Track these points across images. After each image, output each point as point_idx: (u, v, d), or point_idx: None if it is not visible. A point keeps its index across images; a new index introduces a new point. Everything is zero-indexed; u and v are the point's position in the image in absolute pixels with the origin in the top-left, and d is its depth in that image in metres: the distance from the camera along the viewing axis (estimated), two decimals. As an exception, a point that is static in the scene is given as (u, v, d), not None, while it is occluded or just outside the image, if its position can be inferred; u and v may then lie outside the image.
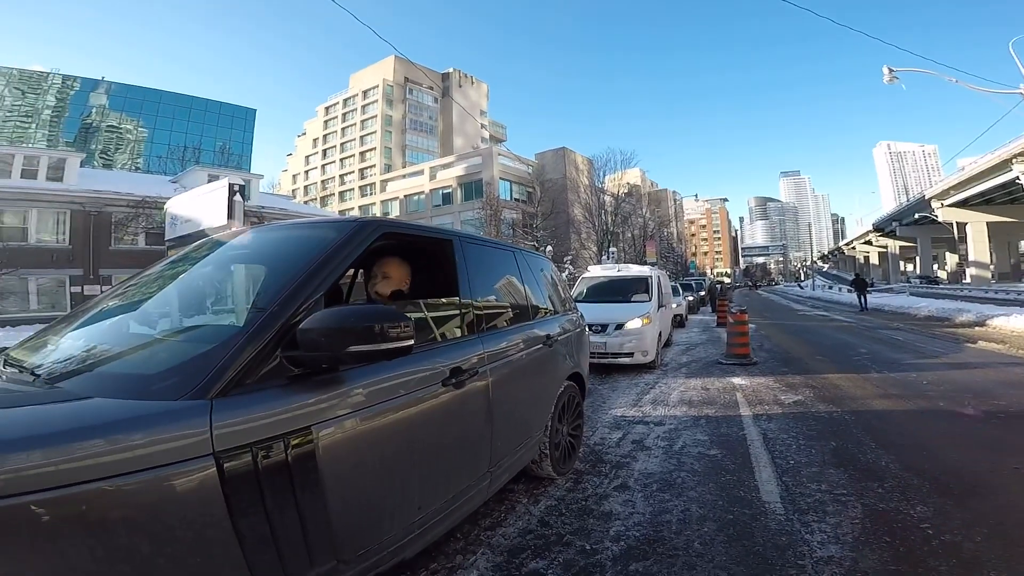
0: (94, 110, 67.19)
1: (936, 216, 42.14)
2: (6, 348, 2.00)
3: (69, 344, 1.79)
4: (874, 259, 74.18)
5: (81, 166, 24.05)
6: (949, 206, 40.30)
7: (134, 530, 1.12)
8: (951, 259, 54.29)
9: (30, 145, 47.12)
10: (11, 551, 0.97)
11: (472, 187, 47.63)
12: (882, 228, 61.87)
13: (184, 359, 1.44)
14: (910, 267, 66.69)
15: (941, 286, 39.33)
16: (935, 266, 58.06)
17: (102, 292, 2.44)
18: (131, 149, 68.40)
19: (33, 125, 63.34)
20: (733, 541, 2.49)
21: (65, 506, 1.03)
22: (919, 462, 3.46)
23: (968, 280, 40.59)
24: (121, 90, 69.25)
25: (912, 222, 50.36)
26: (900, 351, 8.99)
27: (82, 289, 21.03)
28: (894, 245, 61.80)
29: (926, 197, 43.47)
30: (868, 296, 22.61)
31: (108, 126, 67.63)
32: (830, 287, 53.35)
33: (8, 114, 62.25)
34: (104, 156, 64.97)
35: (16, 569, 0.97)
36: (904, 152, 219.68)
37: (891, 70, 15.69)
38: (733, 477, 3.35)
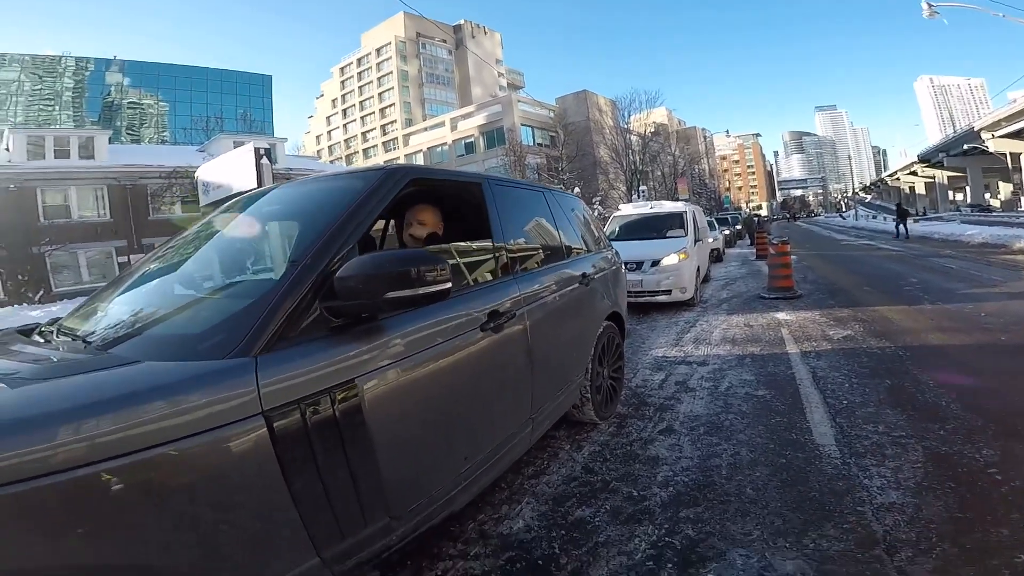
0: (113, 88, 68.13)
1: (987, 147, 39.98)
2: (59, 318, 2.02)
3: (116, 310, 1.80)
4: (920, 189, 70.91)
5: (109, 143, 24.53)
6: (1001, 137, 38.22)
7: (195, 496, 1.11)
8: (1005, 188, 51.48)
9: (58, 127, 48.24)
10: (82, 520, 0.97)
11: (494, 135, 46.89)
12: (928, 159, 59.03)
13: (226, 316, 1.42)
14: (959, 196, 63.23)
15: (994, 214, 37.35)
16: (987, 195, 55.03)
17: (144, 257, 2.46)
18: (155, 123, 69.52)
19: (56, 107, 64.70)
20: (787, 486, 2.40)
21: (129, 473, 1.02)
22: (983, 401, 3.22)
23: (1024, 207, 38.47)
24: (136, 67, 69.96)
25: (960, 153, 47.85)
26: (954, 280, 8.50)
27: (128, 259, 21.92)
28: (942, 175, 58.96)
29: (975, 129, 41.29)
30: (915, 224, 21.87)
31: (129, 103, 68.69)
32: (873, 217, 51.28)
33: (30, 99, 63.52)
34: (131, 132, 66.21)
35: (90, 538, 0.97)
36: (948, 85, 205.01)
37: (930, 5, 14.51)
38: (783, 419, 3.23)
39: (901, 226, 21.72)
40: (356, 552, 1.43)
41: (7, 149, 21.34)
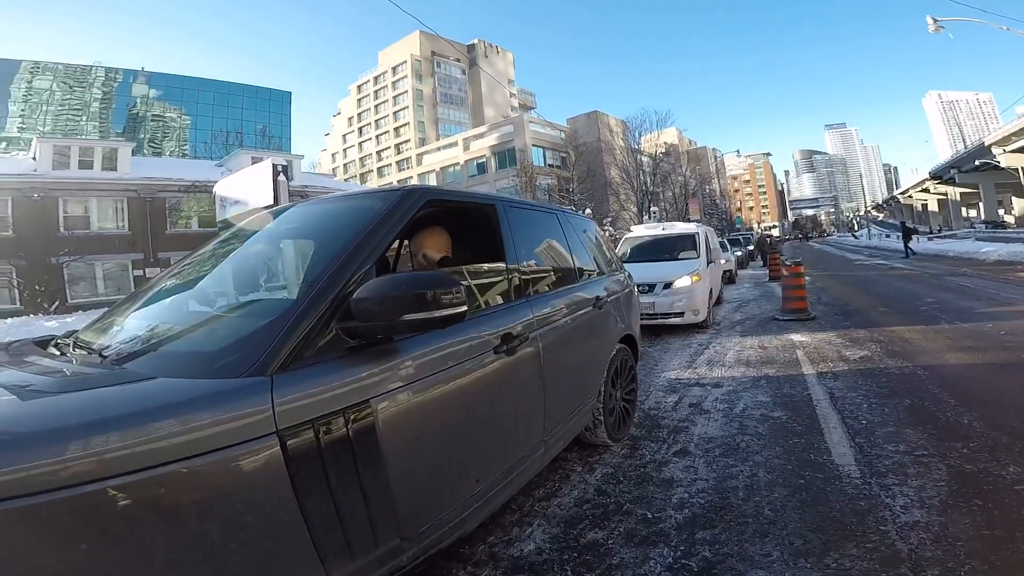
0: (139, 100, 69.47)
1: (999, 162, 39.51)
2: (75, 331, 2.04)
3: (132, 324, 1.81)
4: (933, 206, 70.10)
5: (132, 155, 24.96)
6: (1012, 151, 37.72)
7: (204, 513, 1.10)
8: (1018, 203, 50.72)
9: (84, 137, 49.32)
10: (93, 536, 0.97)
11: (506, 155, 47.23)
12: (940, 176, 58.36)
13: (242, 335, 1.42)
14: (972, 213, 62.49)
15: (1009, 230, 36.86)
16: (1001, 211, 54.37)
17: (161, 272, 2.49)
18: (177, 136, 70.74)
19: (84, 118, 66.03)
20: (807, 507, 2.36)
21: (140, 490, 1.02)
22: (1007, 419, 3.18)
23: (1039, 224, 37.94)
24: (162, 80, 71.27)
25: (972, 169, 47.16)
26: (971, 299, 8.39)
27: (144, 272, 22.17)
28: (954, 192, 58.27)
29: (985, 144, 40.79)
30: (929, 242, 21.73)
31: (153, 115, 69.95)
32: (887, 235, 50.79)
33: (60, 108, 64.97)
34: (152, 144, 67.42)
35: (99, 554, 0.97)
36: (957, 100, 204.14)
37: (936, 20, 14.52)
38: (801, 440, 3.19)
39: (907, 244, 21.91)
40: (366, 573, 1.42)
41: (34, 158, 21.78)
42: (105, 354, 1.52)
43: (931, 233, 46.50)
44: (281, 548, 1.23)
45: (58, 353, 1.70)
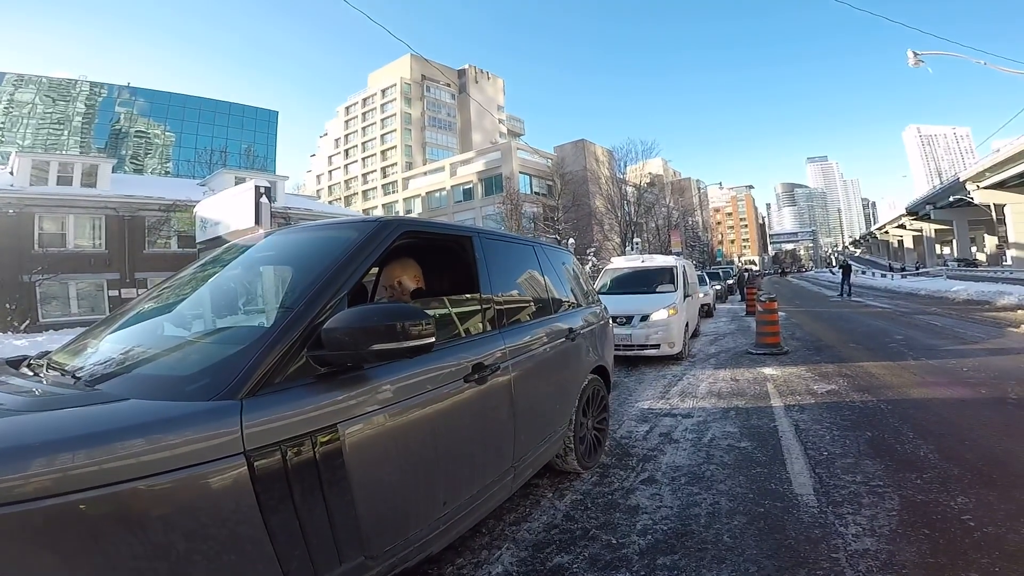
0: (122, 116, 68.87)
1: (972, 198, 40.81)
2: (48, 352, 2.06)
3: (107, 347, 1.84)
4: (908, 243, 72.14)
5: (113, 171, 24.60)
6: (985, 188, 38.96)
7: (170, 528, 1.15)
8: (990, 241, 52.58)
9: (64, 152, 48.68)
10: (56, 548, 1.00)
11: (492, 182, 47.64)
12: (916, 211, 60.21)
13: (215, 360, 1.48)
14: (947, 250, 64.53)
15: (980, 269, 38.12)
16: (973, 248, 56.30)
17: (138, 295, 2.52)
18: (160, 153, 70.10)
19: (65, 132, 65.26)
20: (764, 534, 2.45)
21: (105, 505, 1.06)
22: (960, 452, 3.34)
23: (1009, 262, 39.06)
24: (147, 95, 70.84)
25: (947, 205, 48.80)
26: (938, 337, 8.70)
27: (119, 292, 21.75)
28: (929, 228, 60.07)
29: (960, 179, 42.12)
30: (903, 279, 22.28)
31: (136, 131, 69.35)
32: (863, 272, 52.05)
33: (41, 122, 64.21)
34: (135, 161, 66.70)
35: (61, 566, 1.00)
36: (935, 135, 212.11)
37: (916, 54, 15.17)
38: (764, 469, 3.29)
39: (845, 283, 22.56)
40: None
41: (11, 172, 21.41)
42: (79, 375, 1.55)
43: (904, 270, 47.77)
44: (245, 563, 1.27)
45: (31, 374, 1.73)
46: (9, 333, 17.26)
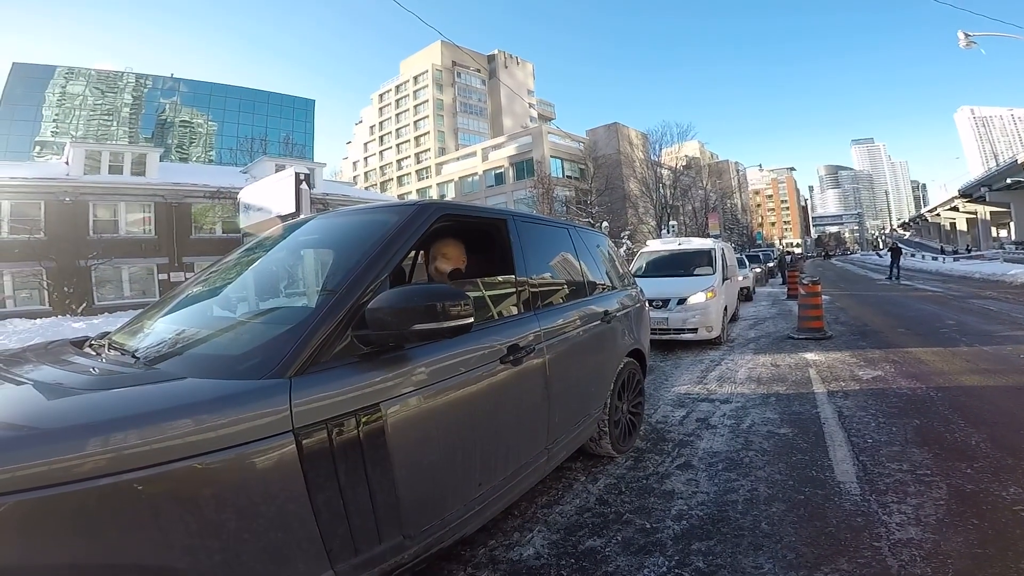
0: (167, 106, 70.98)
1: (1032, 180, 38.62)
2: (108, 333, 2.17)
3: (162, 328, 1.94)
4: (961, 225, 68.50)
5: (160, 160, 25.60)
6: None
7: (223, 505, 1.20)
8: (1050, 225, 49.53)
9: (114, 142, 50.73)
10: (119, 523, 1.07)
11: (523, 166, 47.42)
12: (970, 194, 57.12)
13: (265, 340, 1.53)
14: (1003, 233, 61.03)
15: (1040, 251, 35.93)
16: (1032, 231, 53.11)
17: (186, 279, 2.62)
18: (203, 142, 72.13)
19: (114, 123, 67.65)
20: (804, 522, 2.40)
21: (165, 482, 1.12)
22: (1015, 442, 3.18)
23: (1072, 245, 36.87)
24: (190, 86, 72.79)
25: (1004, 187, 46.17)
26: (993, 322, 8.25)
27: (168, 276, 22.69)
28: (984, 211, 56.89)
29: (1019, 161, 39.85)
30: (955, 263, 21.15)
31: (181, 121, 71.43)
32: (912, 254, 49.84)
33: (91, 113, 66.69)
34: (180, 150, 68.87)
35: (120, 542, 1.07)
36: (990, 116, 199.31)
37: (967, 35, 14.31)
38: (805, 456, 3.21)
39: (895, 267, 21.56)
40: (368, 568, 1.50)
41: (67, 163, 22.52)
42: (137, 355, 1.63)
43: (956, 253, 45.52)
44: (290, 539, 1.32)
45: (94, 353, 1.82)
46: (68, 316, 18.27)
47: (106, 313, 18.21)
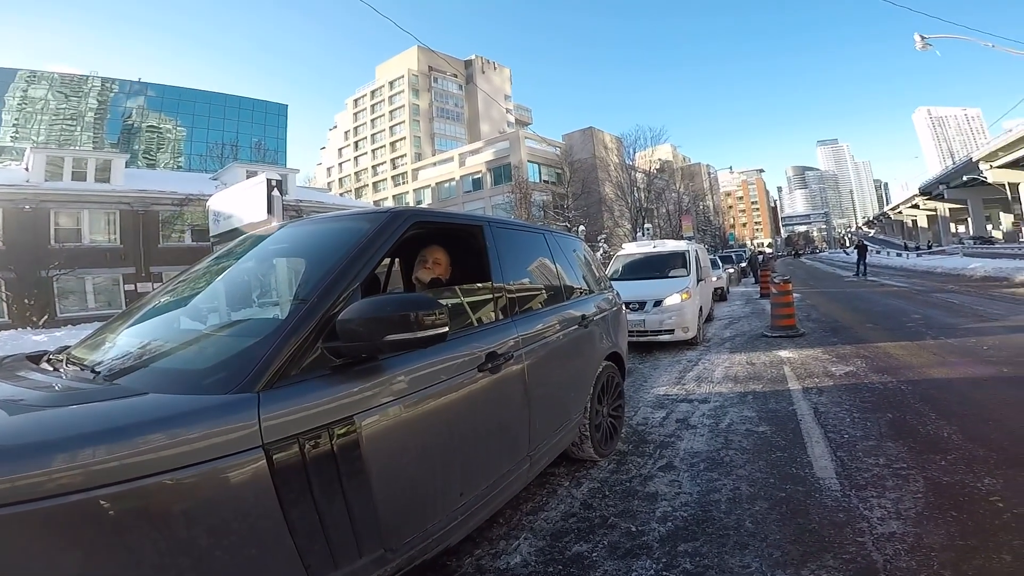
0: (134, 111, 69.06)
1: (986, 178, 40.55)
2: (68, 347, 2.07)
3: (125, 341, 1.85)
4: (923, 222, 71.19)
5: (126, 167, 24.71)
6: (999, 167, 39.08)
7: (192, 523, 1.14)
8: (1006, 219, 52.05)
9: (77, 148, 49.14)
10: (80, 545, 1.01)
11: (501, 171, 47.42)
12: (929, 192, 59.61)
13: (231, 353, 1.47)
14: (961, 229, 63.57)
15: (997, 246, 37.49)
16: (988, 226, 55.58)
17: (154, 289, 2.52)
18: (172, 148, 70.37)
19: (78, 128, 65.52)
20: (787, 519, 2.42)
21: (127, 500, 1.06)
22: (985, 432, 3.27)
23: (1026, 238, 38.62)
24: (158, 91, 71.04)
25: (960, 184, 48.35)
26: (957, 315, 8.53)
27: (135, 287, 21.97)
28: (943, 208, 59.43)
29: (973, 159, 41.92)
30: (919, 258, 21.86)
31: (148, 126, 69.55)
32: (877, 251, 51.40)
33: (54, 118, 64.53)
34: (147, 156, 67.09)
35: (85, 562, 1.00)
36: (946, 116, 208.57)
37: (923, 37, 14.88)
38: (784, 454, 3.25)
39: (862, 264, 22.08)
40: None
41: (27, 168, 21.58)
42: (98, 370, 1.55)
43: (919, 249, 47.11)
44: (266, 556, 1.27)
45: (51, 368, 1.73)
46: (28, 328, 17.56)
47: (69, 325, 17.52)
